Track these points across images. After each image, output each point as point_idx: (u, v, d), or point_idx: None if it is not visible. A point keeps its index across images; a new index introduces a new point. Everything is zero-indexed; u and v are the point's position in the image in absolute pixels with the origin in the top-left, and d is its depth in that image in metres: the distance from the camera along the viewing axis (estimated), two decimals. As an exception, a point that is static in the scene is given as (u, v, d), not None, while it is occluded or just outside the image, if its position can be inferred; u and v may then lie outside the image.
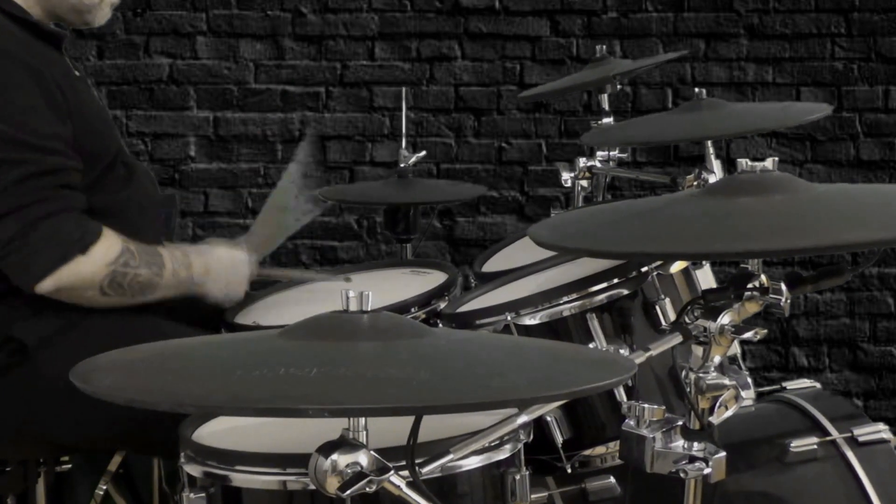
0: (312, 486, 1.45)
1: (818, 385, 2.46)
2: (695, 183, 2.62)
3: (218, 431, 1.91)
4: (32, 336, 2.30)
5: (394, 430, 1.53)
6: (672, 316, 2.20)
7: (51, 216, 2.23)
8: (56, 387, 2.20)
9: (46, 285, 2.24)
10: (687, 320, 1.71)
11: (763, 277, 1.71)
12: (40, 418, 2.32)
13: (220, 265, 2.48)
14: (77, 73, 2.45)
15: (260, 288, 2.73)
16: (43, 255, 2.23)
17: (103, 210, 2.38)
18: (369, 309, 1.49)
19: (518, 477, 1.79)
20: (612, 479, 2.25)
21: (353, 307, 1.49)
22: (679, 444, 1.67)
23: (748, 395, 2.32)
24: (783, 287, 1.71)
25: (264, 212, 2.72)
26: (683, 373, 1.71)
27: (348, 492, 1.42)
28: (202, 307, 2.50)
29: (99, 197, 2.39)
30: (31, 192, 2.23)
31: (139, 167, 2.57)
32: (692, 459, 1.66)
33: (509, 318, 2.21)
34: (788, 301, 1.71)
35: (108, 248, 2.29)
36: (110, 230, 2.31)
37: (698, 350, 1.70)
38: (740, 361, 2.53)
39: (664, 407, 1.68)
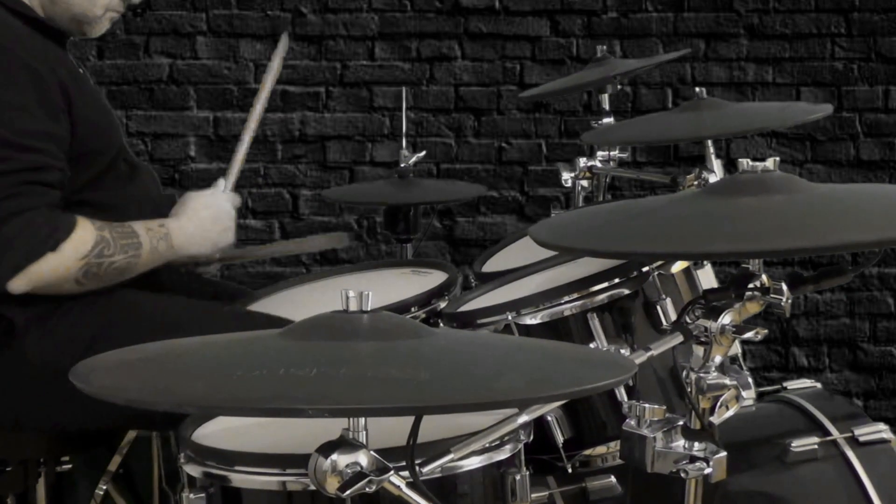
0: (312, 487, 1.45)
1: (819, 385, 2.46)
2: (695, 183, 2.62)
3: (218, 431, 1.91)
4: (20, 315, 2.29)
5: (394, 430, 1.53)
6: (673, 316, 2.20)
7: (22, 212, 2.21)
8: (44, 366, 2.21)
9: (19, 284, 2.22)
10: (688, 320, 1.71)
11: (764, 277, 1.71)
12: (29, 397, 2.30)
13: (200, 223, 2.49)
14: (80, 71, 2.45)
15: (259, 287, 2.74)
16: (11, 253, 2.21)
17: (103, 206, 2.38)
18: (369, 309, 1.49)
19: (518, 477, 1.79)
20: (613, 479, 2.25)
21: (353, 307, 1.49)
22: (680, 443, 1.67)
23: (749, 395, 2.32)
24: (784, 287, 1.71)
25: (244, 142, 2.82)
26: (684, 373, 1.70)
27: (348, 492, 1.42)
28: (189, 281, 2.51)
29: (99, 193, 2.39)
30: (5, 188, 2.20)
31: (142, 166, 2.57)
32: (693, 459, 1.66)
33: (510, 317, 2.21)
34: (789, 301, 1.71)
35: (81, 242, 2.26)
36: (86, 221, 2.29)
37: (699, 350, 1.70)
38: (741, 361, 2.53)
39: (665, 407, 1.68)
